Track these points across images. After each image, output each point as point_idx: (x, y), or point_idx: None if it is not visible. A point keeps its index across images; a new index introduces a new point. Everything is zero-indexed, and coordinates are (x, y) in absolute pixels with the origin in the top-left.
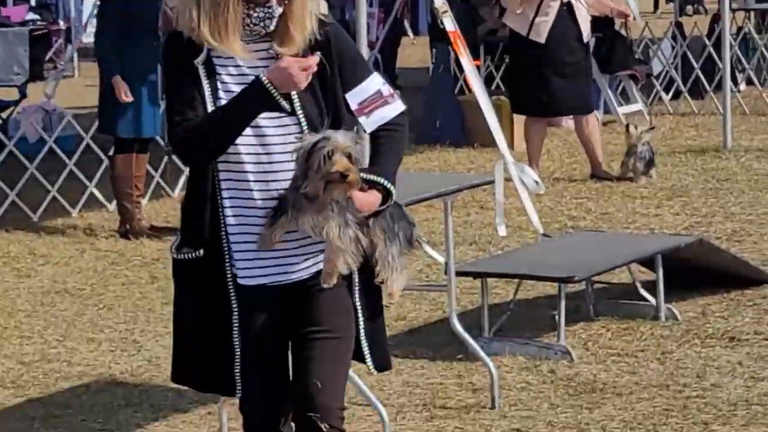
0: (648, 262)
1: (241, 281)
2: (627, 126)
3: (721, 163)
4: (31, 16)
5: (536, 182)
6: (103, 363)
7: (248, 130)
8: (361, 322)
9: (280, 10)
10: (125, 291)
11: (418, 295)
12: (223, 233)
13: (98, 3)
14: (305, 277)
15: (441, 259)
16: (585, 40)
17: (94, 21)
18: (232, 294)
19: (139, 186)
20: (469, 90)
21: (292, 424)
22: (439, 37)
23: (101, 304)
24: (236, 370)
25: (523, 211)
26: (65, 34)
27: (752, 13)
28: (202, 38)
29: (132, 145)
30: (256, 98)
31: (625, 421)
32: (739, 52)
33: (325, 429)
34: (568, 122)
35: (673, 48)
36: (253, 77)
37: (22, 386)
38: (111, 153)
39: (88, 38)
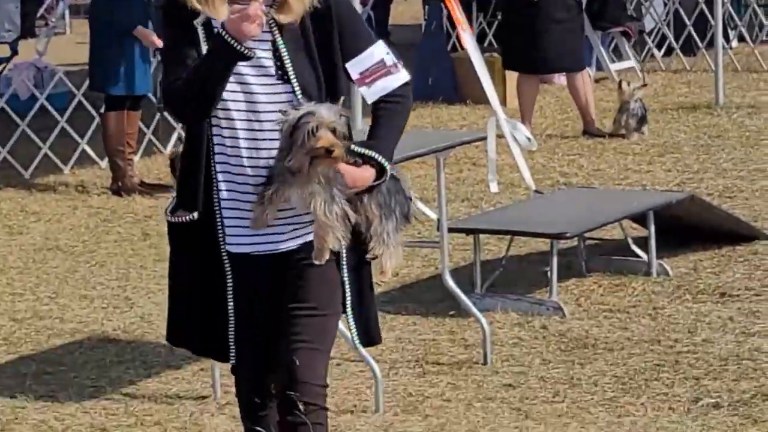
0: (640, 219)
1: (229, 248)
2: (619, 83)
3: (713, 119)
4: None
5: (528, 139)
6: (96, 320)
7: (240, 96)
8: (348, 297)
9: None
10: (117, 248)
11: (411, 251)
12: (215, 198)
13: None
14: (293, 247)
15: (433, 216)
16: None
17: None
18: (226, 261)
19: (131, 143)
20: (462, 47)
21: None
22: None
23: (93, 261)
24: (230, 337)
25: (516, 168)
26: None
27: None
28: (189, 1)
29: (123, 102)
30: (219, 51)
31: (616, 376)
32: (731, 9)
33: (301, 407)
34: (560, 79)
35: (665, 4)
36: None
37: (15, 343)
38: (102, 110)
39: None
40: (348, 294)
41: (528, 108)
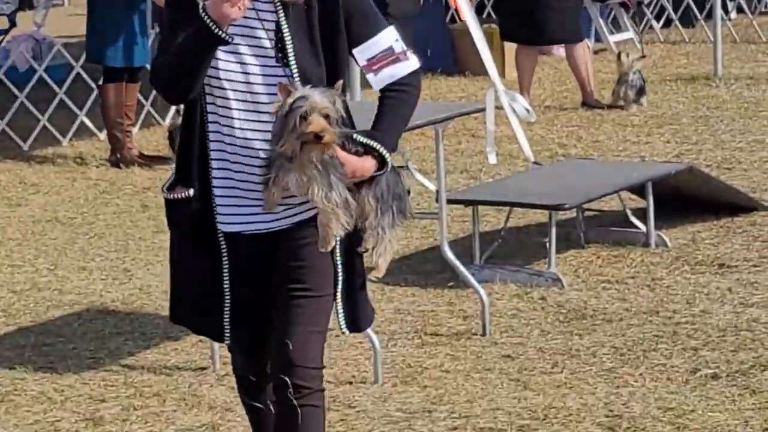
0: (638, 190)
1: (221, 227)
2: (618, 54)
3: (712, 91)
4: None
5: (527, 110)
6: (95, 291)
7: (239, 76)
8: (339, 282)
9: None
10: (116, 219)
11: (409, 222)
12: (210, 176)
13: None
14: (285, 227)
15: (432, 187)
16: None
17: None
18: (222, 240)
19: (130, 115)
20: (461, 18)
21: None
22: None
23: (92, 233)
24: (225, 317)
25: (514, 139)
26: None
27: None
28: None
29: (122, 74)
30: (199, 33)
31: (615, 347)
32: None
33: (292, 391)
34: (559, 50)
35: None
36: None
37: (14, 315)
38: (101, 82)
39: None
40: (340, 278)
41: (527, 79)
